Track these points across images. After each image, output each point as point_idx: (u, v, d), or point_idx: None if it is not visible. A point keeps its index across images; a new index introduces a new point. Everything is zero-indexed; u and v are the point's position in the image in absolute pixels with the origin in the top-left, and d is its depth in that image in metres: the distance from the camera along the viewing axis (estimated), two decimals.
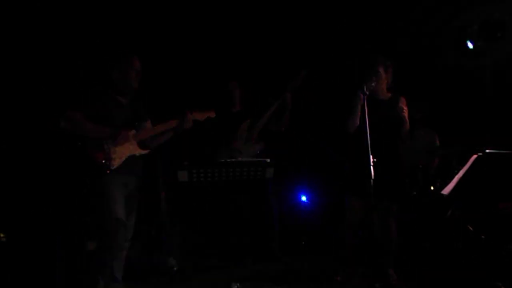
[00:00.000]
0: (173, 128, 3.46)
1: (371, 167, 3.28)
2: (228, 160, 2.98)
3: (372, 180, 3.28)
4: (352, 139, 3.75)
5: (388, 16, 5.24)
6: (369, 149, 3.32)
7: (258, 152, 4.35)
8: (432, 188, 4.58)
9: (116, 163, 3.21)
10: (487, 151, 2.81)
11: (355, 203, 3.71)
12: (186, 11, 5.00)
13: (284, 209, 5.87)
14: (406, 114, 3.59)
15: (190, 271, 4.05)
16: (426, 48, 5.45)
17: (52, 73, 4.65)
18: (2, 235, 4.10)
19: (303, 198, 6.15)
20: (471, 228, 4.19)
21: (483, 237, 4.08)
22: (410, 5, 5.15)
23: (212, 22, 5.14)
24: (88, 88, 3.49)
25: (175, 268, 4.01)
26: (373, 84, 3.55)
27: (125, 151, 3.27)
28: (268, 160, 3.03)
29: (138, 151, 3.35)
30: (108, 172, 3.17)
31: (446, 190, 2.92)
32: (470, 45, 5.72)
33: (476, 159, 2.82)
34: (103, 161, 3.17)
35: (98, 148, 3.18)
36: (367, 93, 3.47)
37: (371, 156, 3.32)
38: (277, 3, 5.02)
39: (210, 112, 3.63)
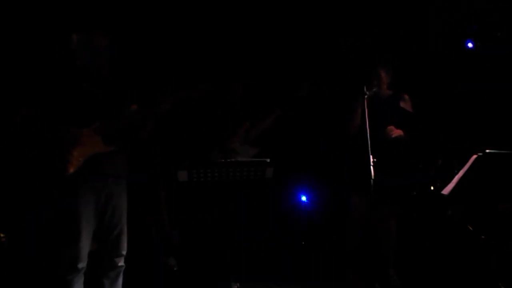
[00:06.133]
0: (149, 111, 2.85)
1: (371, 167, 3.29)
2: (228, 160, 2.97)
3: (372, 180, 3.30)
4: (354, 139, 3.75)
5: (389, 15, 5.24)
6: (369, 149, 3.34)
7: (253, 155, 4.36)
8: (432, 188, 4.58)
9: (72, 167, 2.64)
10: (487, 151, 2.81)
11: (359, 202, 3.73)
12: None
13: (284, 209, 5.88)
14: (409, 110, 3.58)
15: (190, 271, 4.04)
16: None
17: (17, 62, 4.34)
18: (2, 235, 4.09)
19: (303, 198, 6.14)
20: (471, 228, 4.19)
21: (483, 237, 4.07)
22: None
23: (223, 21, 5.13)
24: (46, 79, 2.83)
25: (175, 268, 4.01)
26: (374, 89, 3.55)
27: (84, 151, 2.68)
28: (268, 160, 3.03)
29: (103, 148, 2.75)
30: (62, 178, 2.64)
31: (446, 190, 2.92)
32: (470, 45, 5.72)
33: (476, 159, 2.82)
34: (58, 166, 2.64)
35: (52, 152, 2.65)
36: (368, 93, 3.47)
37: (371, 156, 3.35)
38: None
39: (207, 85, 2.89)
